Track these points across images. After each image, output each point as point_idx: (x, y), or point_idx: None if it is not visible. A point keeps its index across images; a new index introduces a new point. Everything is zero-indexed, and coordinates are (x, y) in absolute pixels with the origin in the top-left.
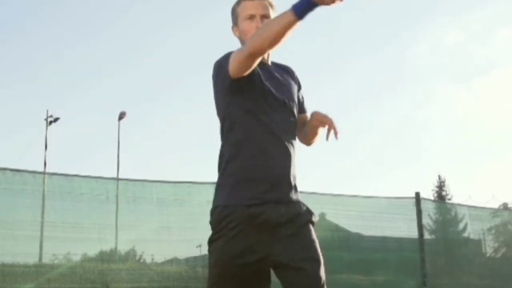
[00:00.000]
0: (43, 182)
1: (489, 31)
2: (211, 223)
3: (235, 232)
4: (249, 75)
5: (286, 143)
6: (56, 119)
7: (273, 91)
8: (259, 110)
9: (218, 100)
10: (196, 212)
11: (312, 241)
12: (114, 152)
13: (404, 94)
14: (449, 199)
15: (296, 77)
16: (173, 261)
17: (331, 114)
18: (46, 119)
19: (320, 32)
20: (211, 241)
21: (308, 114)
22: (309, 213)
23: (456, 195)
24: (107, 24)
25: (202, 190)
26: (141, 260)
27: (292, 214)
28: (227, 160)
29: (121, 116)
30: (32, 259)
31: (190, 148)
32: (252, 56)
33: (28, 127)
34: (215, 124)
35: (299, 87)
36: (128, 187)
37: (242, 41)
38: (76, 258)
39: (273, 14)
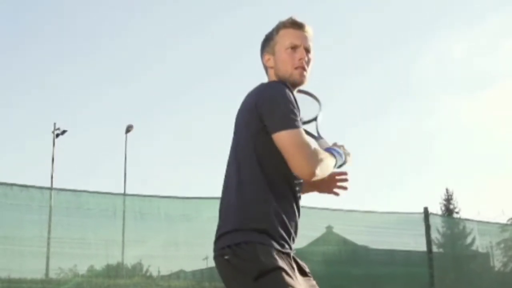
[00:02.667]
0: (50, 197)
1: (495, 43)
2: (241, 256)
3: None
4: None
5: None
6: (63, 132)
7: None
8: None
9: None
10: (204, 228)
11: None
12: (121, 165)
13: (410, 106)
14: (457, 213)
15: None
16: (180, 274)
17: (335, 127)
18: (53, 132)
19: (325, 43)
20: (269, 269)
21: None
22: None
23: (464, 208)
24: (113, 36)
25: (210, 205)
26: (148, 274)
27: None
28: (269, 196)
29: (128, 129)
30: (39, 275)
31: (198, 163)
32: (311, 176)
33: (35, 140)
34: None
35: None
36: (135, 203)
37: (276, 70)
38: (83, 273)
39: (313, 49)
